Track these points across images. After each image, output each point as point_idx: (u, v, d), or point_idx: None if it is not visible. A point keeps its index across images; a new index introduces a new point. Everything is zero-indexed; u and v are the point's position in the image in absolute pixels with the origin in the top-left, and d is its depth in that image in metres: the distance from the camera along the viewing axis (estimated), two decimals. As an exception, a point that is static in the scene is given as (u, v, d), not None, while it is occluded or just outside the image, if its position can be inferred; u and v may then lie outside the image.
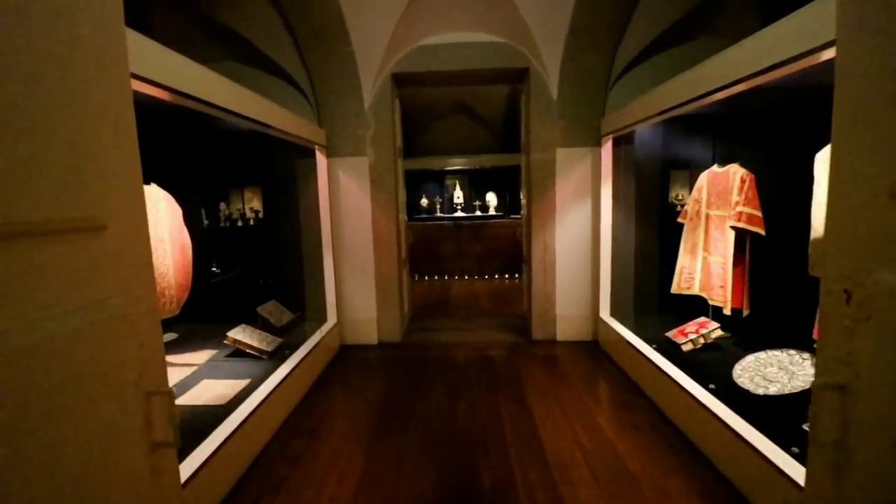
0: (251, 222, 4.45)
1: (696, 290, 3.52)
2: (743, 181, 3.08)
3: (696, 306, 3.49)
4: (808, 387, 2.28)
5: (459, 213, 8.45)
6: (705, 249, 3.44)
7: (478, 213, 8.52)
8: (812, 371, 2.38)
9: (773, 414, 2.18)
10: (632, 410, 2.89)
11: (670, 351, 3.09)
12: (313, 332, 3.81)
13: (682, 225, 3.66)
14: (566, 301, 4.24)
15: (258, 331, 3.28)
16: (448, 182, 8.93)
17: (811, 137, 3.43)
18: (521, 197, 5.03)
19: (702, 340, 3.06)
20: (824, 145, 3.33)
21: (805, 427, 1.92)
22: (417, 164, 8.81)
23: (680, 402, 2.61)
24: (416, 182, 8.94)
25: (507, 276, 7.83)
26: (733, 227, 3.07)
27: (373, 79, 4.10)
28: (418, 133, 8.85)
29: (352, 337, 4.36)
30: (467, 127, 8.79)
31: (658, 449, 2.43)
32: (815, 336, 2.77)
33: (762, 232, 3.00)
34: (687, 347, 3.06)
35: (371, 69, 4.04)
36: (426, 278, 7.86)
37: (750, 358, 2.67)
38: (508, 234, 7.75)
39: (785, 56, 1.90)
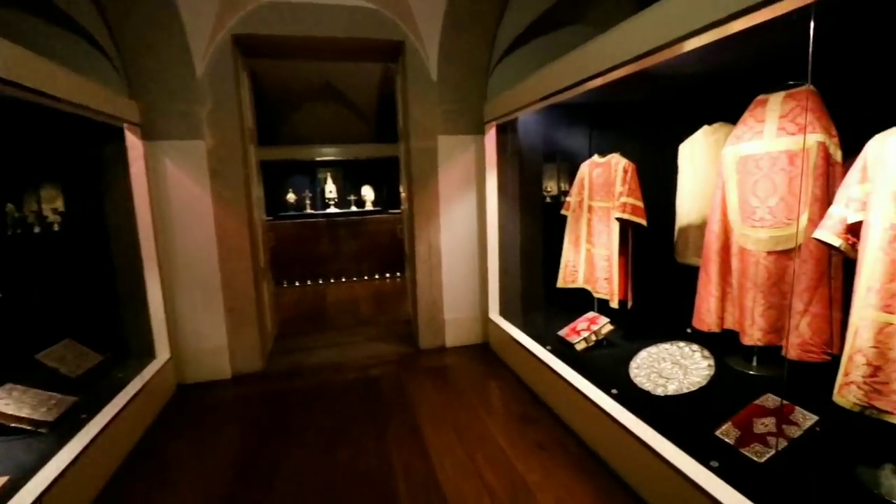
0: (55, 227, 3.18)
1: (580, 283, 3.45)
2: (626, 171, 3.02)
3: (583, 300, 3.41)
4: (704, 383, 2.22)
5: (333, 209, 7.66)
6: (588, 242, 3.36)
7: (353, 208, 7.84)
8: (703, 364, 2.35)
9: (681, 419, 2.06)
10: (534, 425, 2.63)
11: (564, 351, 2.93)
12: (134, 376, 2.83)
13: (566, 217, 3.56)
14: (454, 303, 3.91)
15: (33, 391, 2.26)
16: (320, 175, 8.05)
17: (678, 128, 3.61)
18: (401, 190, 4.56)
19: (594, 338, 2.94)
20: (689, 135, 3.53)
21: (719, 434, 1.80)
22: (282, 153, 7.75)
23: (586, 413, 2.40)
24: (282, 175, 7.88)
25: (388, 275, 7.33)
26: (619, 219, 3.00)
27: (205, 39, 3.19)
28: (282, 118, 7.79)
29: (194, 374, 3.43)
30: (339, 114, 7.99)
31: (570, 476, 2.16)
32: (693, 325, 2.84)
33: (644, 223, 2.97)
34: (580, 347, 2.91)
35: (202, 26, 3.14)
36: (297, 284, 6.95)
37: (643, 354, 2.58)
38: (388, 231, 7.24)
39: (660, 42, 1.78)
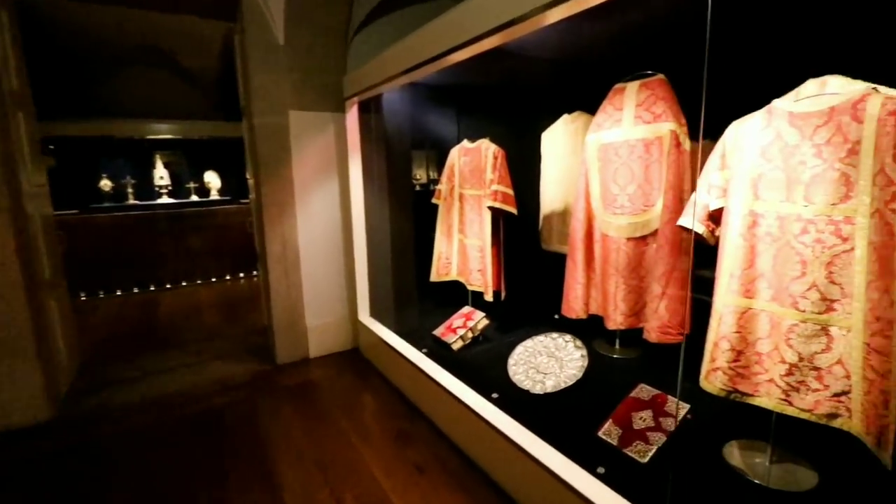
0: None
1: (454, 276, 3.26)
2: (496, 157, 2.86)
3: (459, 293, 3.23)
4: (580, 375, 2.16)
5: (166, 199, 6.36)
6: (461, 232, 3.17)
7: (194, 197, 6.62)
8: (577, 354, 2.31)
9: (563, 419, 1.95)
10: (412, 444, 2.33)
11: (440, 353, 2.69)
12: None
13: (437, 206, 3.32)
14: (318, 307, 3.41)
15: None
16: (157, 158, 6.60)
17: (542, 115, 3.63)
18: (248, 177, 3.85)
19: (470, 335, 2.76)
20: (551, 124, 3.57)
21: (602, 435, 1.71)
22: (93, 128, 6.17)
23: (466, 423, 2.18)
24: (92, 156, 6.28)
25: (242, 274, 6.38)
26: (490, 208, 2.85)
27: None
28: (94, 85, 6.17)
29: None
30: (172, 84, 6.63)
31: (450, 500, 1.91)
32: (562, 312, 2.85)
33: (515, 211, 2.87)
34: (457, 346, 2.71)
35: None
36: (119, 293, 5.62)
37: (519, 349, 2.47)
38: (240, 223, 6.27)
39: (523, 10, 1.61)
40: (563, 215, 3.29)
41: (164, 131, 6.68)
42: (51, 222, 3.15)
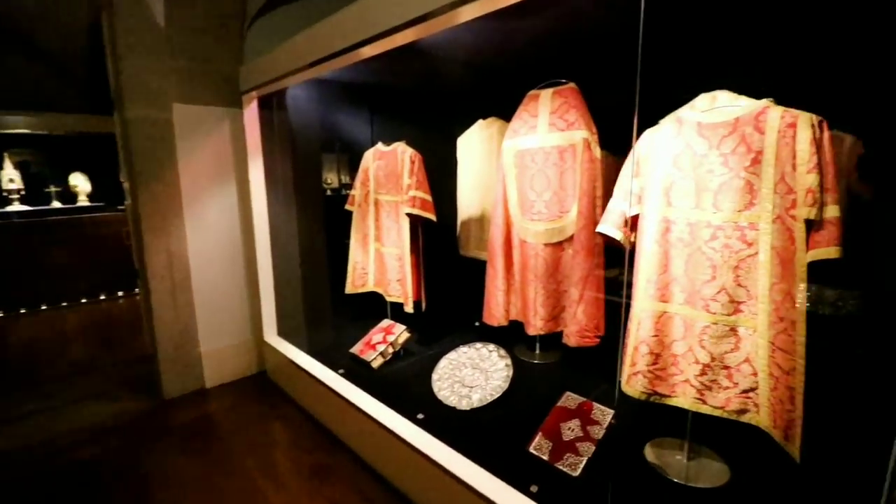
0: None
1: (371, 287, 3.07)
2: (412, 162, 2.73)
3: (376, 305, 3.04)
4: (506, 386, 2.10)
5: (18, 207, 5.29)
6: (377, 240, 2.99)
7: (57, 204, 5.60)
8: (501, 364, 2.25)
9: (493, 436, 1.87)
10: (330, 478, 2.09)
11: (360, 372, 2.48)
12: None
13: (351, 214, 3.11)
14: (215, 329, 2.99)
15: None
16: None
17: (459, 119, 3.57)
18: (122, 180, 3.29)
19: (391, 350, 2.58)
20: (467, 127, 3.52)
21: (532, 451, 1.64)
22: None
23: (390, 450, 2.00)
24: None
25: (120, 293, 5.52)
26: (409, 214, 2.70)
27: None
28: None
29: None
30: (26, 69, 5.53)
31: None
32: (484, 320, 2.80)
33: (434, 217, 2.76)
34: (377, 363, 2.52)
35: None
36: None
37: (443, 363, 2.35)
38: (116, 234, 5.43)
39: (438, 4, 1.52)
40: (481, 221, 3.26)
41: (16, 125, 5.57)
42: None
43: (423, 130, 3.37)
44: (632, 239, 1.73)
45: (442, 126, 3.49)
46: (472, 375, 2.22)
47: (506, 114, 3.08)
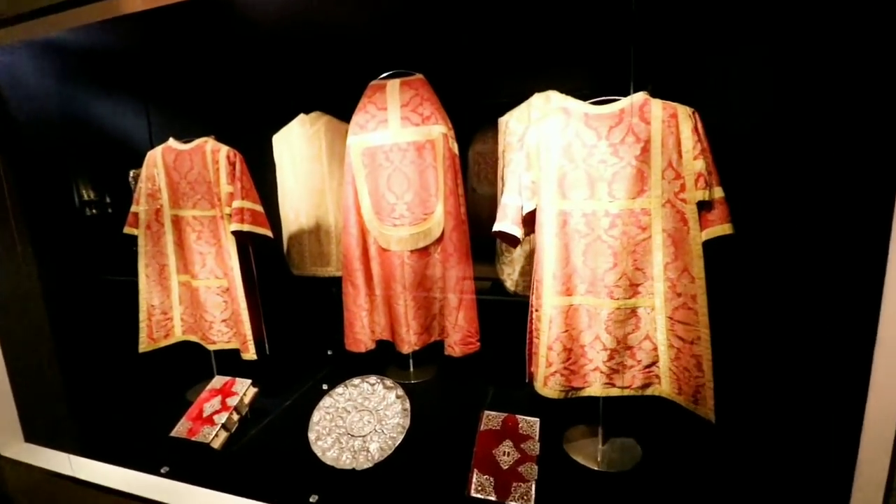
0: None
1: (178, 336, 2.28)
2: (232, 163, 2.10)
3: (189, 359, 2.26)
4: (407, 423, 1.78)
5: None
6: (184, 271, 2.23)
7: None
8: (391, 396, 1.92)
9: (415, 491, 1.53)
10: None
11: (195, 462, 1.75)
12: None
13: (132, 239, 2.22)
14: None
15: None
16: None
17: (272, 113, 2.92)
18: None
19: (236, 417, 1.91)
20: (285, 121, 2.91)
21: (474, 494, 1.38)
22: None
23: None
24: None
25: None
26: (235, 233, 2.07)
27: None
28: None
29: None
30: None
31: None
32: (348, 347, 2.38)
33: (269, 233, 2.20)
34: (220, 440, 1.81)
35: None
36: None
37: (317, 416, 1.86)
38: None
39: None
40: (316, 233, 2.80)
41: None
42: None
43: (221, 124, 2.65)
44: (527, 235, 1.67)
45: (248, 120, 2.85)
46: (360, 421, 1.81)
47: (332, 108, 2.70)
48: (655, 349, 1.55)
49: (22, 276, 2.02)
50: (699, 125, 1.38)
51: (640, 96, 1.45)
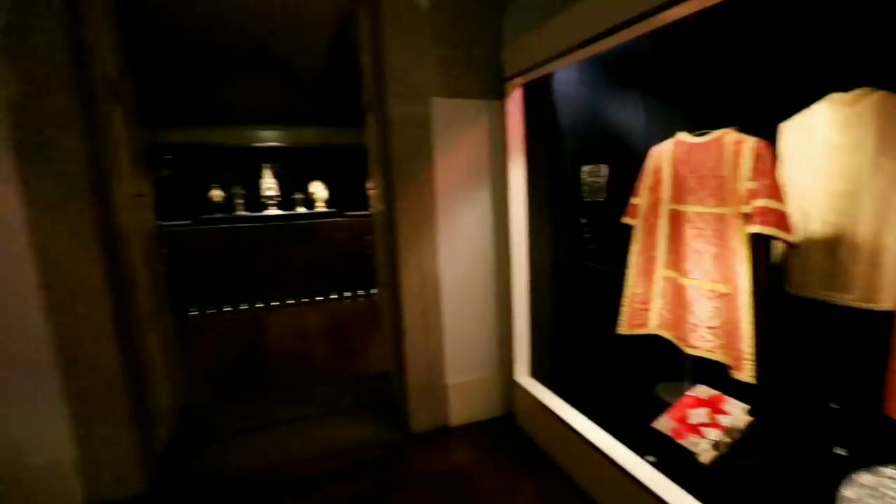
0: None
1: (653, 328, 2.27)
2: (757, 156, 1.83)
3: (670, 352, 2.22)
4: None
5: (274, 211, 6.07)
6: (673, 267, 2.17)
7: (301, 209, 6.27)
8: None
9: None
10: None
11: (678, 464, 1.69)
12: None
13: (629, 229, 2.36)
14: (462, 360, 2.58)
15: None
16: (259, 167, 6.38)
17: (782, 96, 2.43)
18: (369, 186, 3.18)
19: (728, 440, 1.72)
20: (800, 106, 2.35)
21: None
22: (203, 136, 6.08)
23: None
24: (205, 164, 6.19)
25: (347, 293, 5.87)
26: (753, 235, 1.82)
27: None
28: (206, 92, 6.08)
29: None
30: (276, 88, 6.36)
31: None
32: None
33: (792, 238, 1.81)
34: (708, 457, 1.69)
35: None
36: (229, 310, 5.35)
37: (853, 493, 1.39)
38: (344, 239, 5.79)
39: None
40: (832, 245, 2.11)
41: (270, 138, 6.45)
42: (153, 238, 2.67)
43: (708, 117, 2.37)
44: None
45: (746, 109, 2.45)
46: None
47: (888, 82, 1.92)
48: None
49: (545, 258, 2.54)
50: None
51: None
